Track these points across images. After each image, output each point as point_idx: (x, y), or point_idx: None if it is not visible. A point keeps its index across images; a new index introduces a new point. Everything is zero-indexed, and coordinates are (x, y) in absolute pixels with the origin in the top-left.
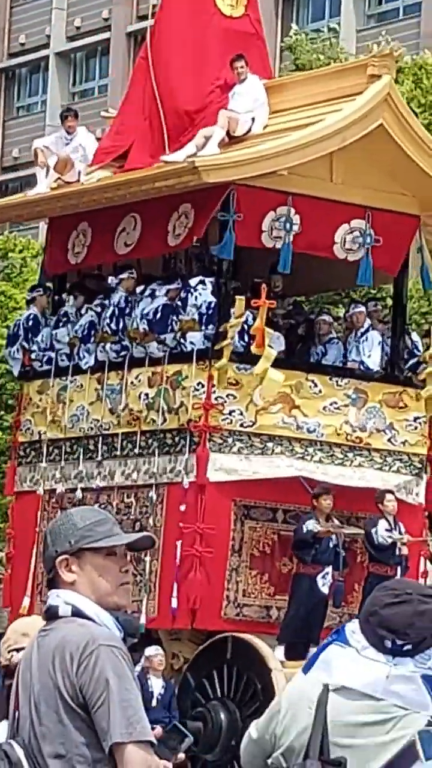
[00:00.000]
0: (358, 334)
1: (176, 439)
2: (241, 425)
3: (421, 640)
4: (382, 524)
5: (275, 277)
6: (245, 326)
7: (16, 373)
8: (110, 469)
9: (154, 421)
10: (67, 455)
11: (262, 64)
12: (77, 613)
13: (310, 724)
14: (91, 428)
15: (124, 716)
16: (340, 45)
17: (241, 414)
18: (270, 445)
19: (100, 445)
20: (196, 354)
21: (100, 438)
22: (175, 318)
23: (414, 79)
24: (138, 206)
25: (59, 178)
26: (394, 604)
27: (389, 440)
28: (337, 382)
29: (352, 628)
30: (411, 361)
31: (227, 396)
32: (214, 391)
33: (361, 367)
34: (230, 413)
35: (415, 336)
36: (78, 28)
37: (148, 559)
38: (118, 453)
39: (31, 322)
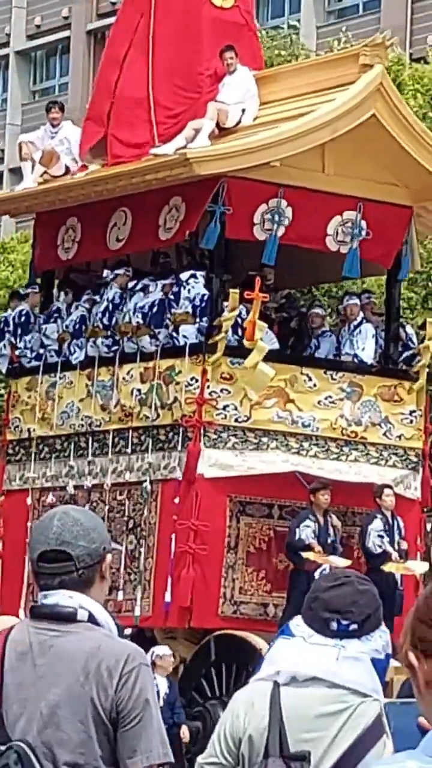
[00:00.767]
0: (352, 326)
1: (170, 434)
2: (236, 420)
3: (365, 619)
4: (377, 524)
5: (266, 270)
6: (239, 320)
7: (3, 369)
8: (102, 467)
9: (146, 416)
10: (58, 453)
11: (253, 55)
12: (92, 619)
13: (266, 724)
14: (82, 425)
15: (161, 738)
16: (300, 42)
17: (236, 409)
18: (265, 440)
19: (91, 442)
20: (189, 348)
21: (91, 435)
22: (168, 313)
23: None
24: (128, 200)
25: (45, 172)
26: (334, 587)
27: (385, 434)
28: (331, 375)
29: (296, 622)
30: (405, 354)
31: (221, 391)
32: (208, 386)
33: (355, 360)
34: (224, 408)
35: (409, 328)
36: (38, 26)
37: (142, 557)
38: (110, 450)
39: (23, 318)
